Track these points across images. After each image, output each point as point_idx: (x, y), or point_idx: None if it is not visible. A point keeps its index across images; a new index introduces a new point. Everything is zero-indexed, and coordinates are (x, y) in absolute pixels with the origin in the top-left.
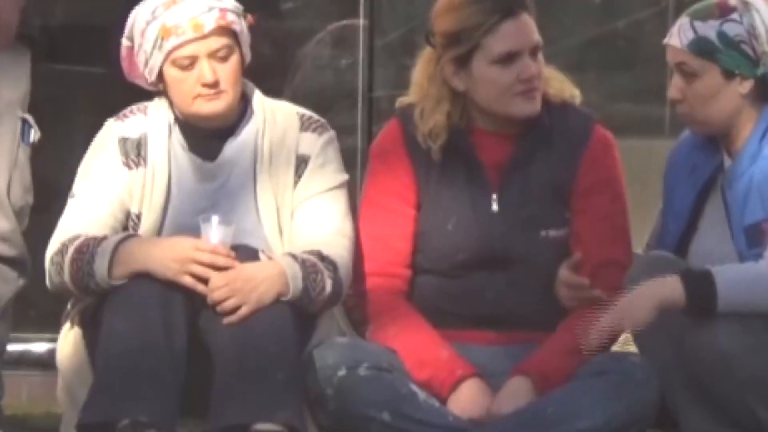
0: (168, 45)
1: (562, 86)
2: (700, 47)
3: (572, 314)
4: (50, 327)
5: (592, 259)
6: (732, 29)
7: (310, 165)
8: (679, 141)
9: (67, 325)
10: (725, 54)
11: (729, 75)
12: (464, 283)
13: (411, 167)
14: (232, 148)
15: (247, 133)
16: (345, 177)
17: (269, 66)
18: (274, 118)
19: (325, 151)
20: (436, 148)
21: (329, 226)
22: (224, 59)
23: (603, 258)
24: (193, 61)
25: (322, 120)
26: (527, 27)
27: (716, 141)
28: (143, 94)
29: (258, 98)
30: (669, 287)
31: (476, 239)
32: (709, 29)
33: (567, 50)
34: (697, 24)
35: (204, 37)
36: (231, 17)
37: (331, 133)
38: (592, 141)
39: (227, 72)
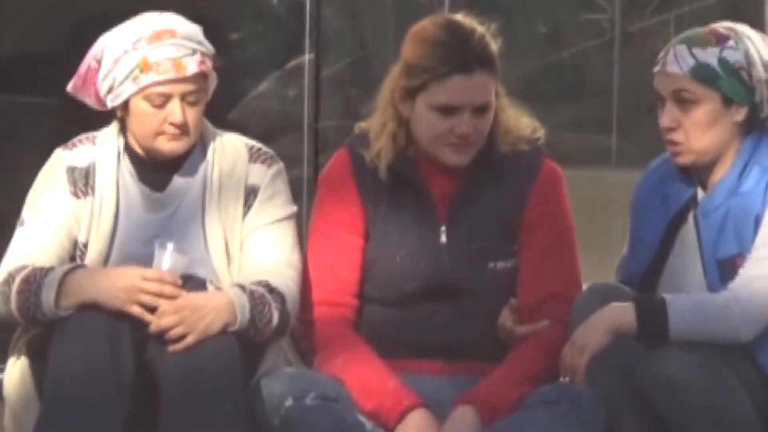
0: (146, 79)
1: (522, 122)
2: (702, 74)
3: (519, 344)
4: None
5: (536, 293)
6: (732, 56)
7: (260, 196)
8: (648, 170)
9: (14, 356)
10: (726, 81)
11: (728, 102)
12: (412, 313)
13: (359, 197)
14: (181, 179)
15: (196, 165)
16: (294, 209)
17: (216, 97)
18: (223, 150)
19: (274, 182)
20: (382, 167)
21: (278, 257)
22: (194, 104)
23: (546, 292)
24: (166, 99)
25: (271, 152)
26: (476, 86)
27: (689, 172)
28: (93, 125)
29: (207, 130)
30: (621, 313)
31: (424, 270)
32: (709, 56)
33: (513, 80)
34: (697, 51)
35: (183, 79)
36: (209, 63)
37: (279, 165)
38: (541, 176)
39: (195, 116)
